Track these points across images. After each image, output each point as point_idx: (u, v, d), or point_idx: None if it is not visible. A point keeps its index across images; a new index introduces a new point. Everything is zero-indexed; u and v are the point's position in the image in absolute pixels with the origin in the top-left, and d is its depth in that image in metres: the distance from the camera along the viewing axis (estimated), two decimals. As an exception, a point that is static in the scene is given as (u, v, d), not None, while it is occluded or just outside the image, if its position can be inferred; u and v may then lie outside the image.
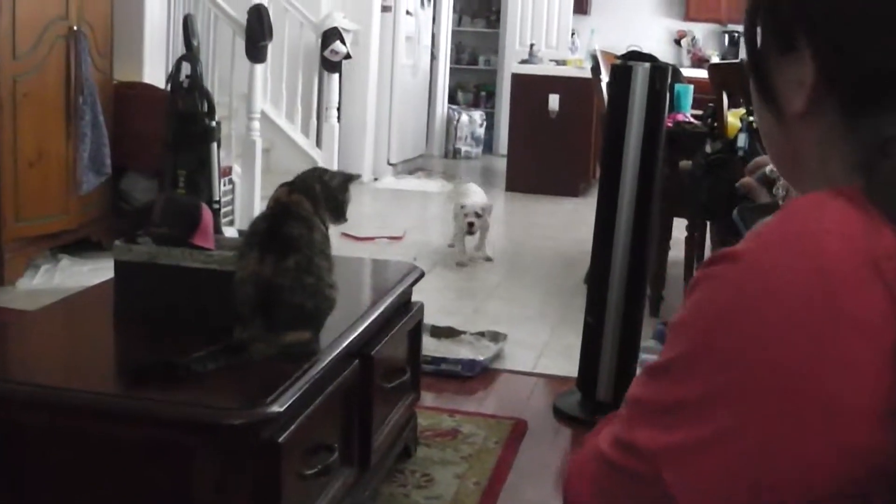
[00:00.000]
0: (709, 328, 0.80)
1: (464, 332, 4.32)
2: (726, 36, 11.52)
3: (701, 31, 11.73)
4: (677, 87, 5.37)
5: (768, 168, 1.59)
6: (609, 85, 4.10)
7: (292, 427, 2.08)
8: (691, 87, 5.53)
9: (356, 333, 2.51)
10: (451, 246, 6.14)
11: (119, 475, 2.05)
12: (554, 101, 8.80)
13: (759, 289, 0.78)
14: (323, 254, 2.34)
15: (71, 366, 2.40)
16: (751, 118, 4.77)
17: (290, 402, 2.04)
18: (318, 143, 7.96)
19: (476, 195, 6.13)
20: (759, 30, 0.91)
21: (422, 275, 3.19)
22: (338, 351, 2.37)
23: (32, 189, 5.01)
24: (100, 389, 2.19)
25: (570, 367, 3.89)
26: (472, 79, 12.51)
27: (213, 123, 4.83)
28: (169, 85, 4.84)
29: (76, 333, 2.63)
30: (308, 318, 2.29)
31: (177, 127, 4.76)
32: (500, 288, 5.56)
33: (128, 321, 2.51)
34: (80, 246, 5.45)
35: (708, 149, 4.95)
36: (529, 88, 8.93)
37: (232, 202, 5.97)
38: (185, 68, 4.68)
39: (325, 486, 2.36)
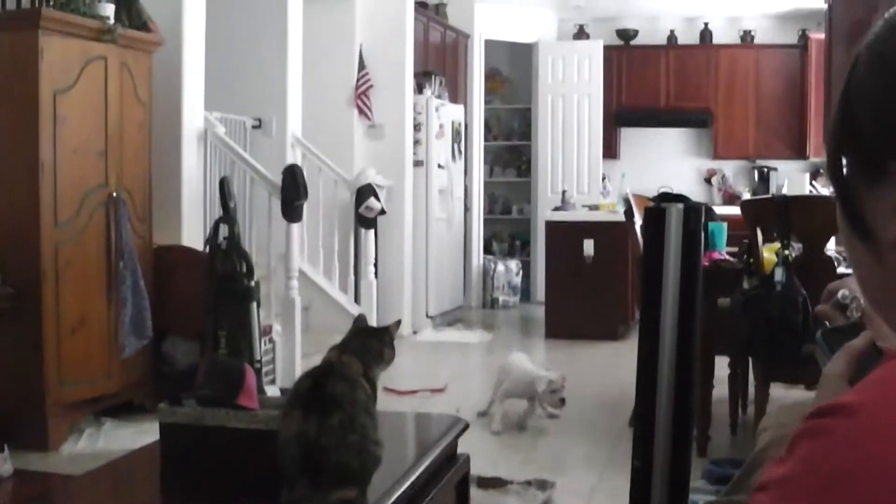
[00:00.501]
0: (823, 490, 0.74)
1: (510, 482, 4.28)
2: (755, 172, 11.56)
3: (730, 169, 11.78)
4: (711, 225, 5.39)
5: (840, 293, 1.58)
6: (643, 227, 4.11)
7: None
8: (725, 224, 5.55)
9: (403, 489, 2.49)
10: (483, 414, 5.76)
11: None
12: (589, 246, 8.84)
13: (883, 450, 0.72)
14: (367, 412, 2.33)
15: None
16: (786, 252, 4.76)
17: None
18: (357, 299, 8.00)
19: (524, 363, 5.85)
20: (844, 161, 0.89)
21: (466, 426, 3.17)
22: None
23: (75, 354, 5.05)
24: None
25: (621, 512, 3.82)
26: (506, 228, 12.58)
27: (252, 283, 4.87)
28: (207, 247, 4.90)
29: (123, 498, 2.62)
30: (354, 476, 2.27)
31: (216, 288, 4.80)
32: (546, 435, 5.51)
33: (175, 484, 2.51)
34: (123, 409, 5.47)
35: (745, 285, 4.95)
36: (564, 235, 8.99)
37: (273, 361, 5.99)
38: (223, 230, 4.74)
39: None
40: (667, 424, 3.61)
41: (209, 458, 2.45)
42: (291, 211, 6.21)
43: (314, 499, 2.22)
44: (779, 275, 4.70)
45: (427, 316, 9.54)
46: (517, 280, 11.55)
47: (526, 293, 11.63)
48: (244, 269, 4.87)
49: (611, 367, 7.49)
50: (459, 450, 3.12)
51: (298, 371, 6.35)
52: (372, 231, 7.98)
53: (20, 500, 4.25)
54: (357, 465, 2.27)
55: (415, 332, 9.17)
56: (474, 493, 3.69)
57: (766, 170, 11.40)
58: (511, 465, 4.69)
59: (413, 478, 2.58)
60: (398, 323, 2.73)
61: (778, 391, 4.93)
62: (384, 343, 2.53)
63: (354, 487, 2.28)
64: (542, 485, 4.28)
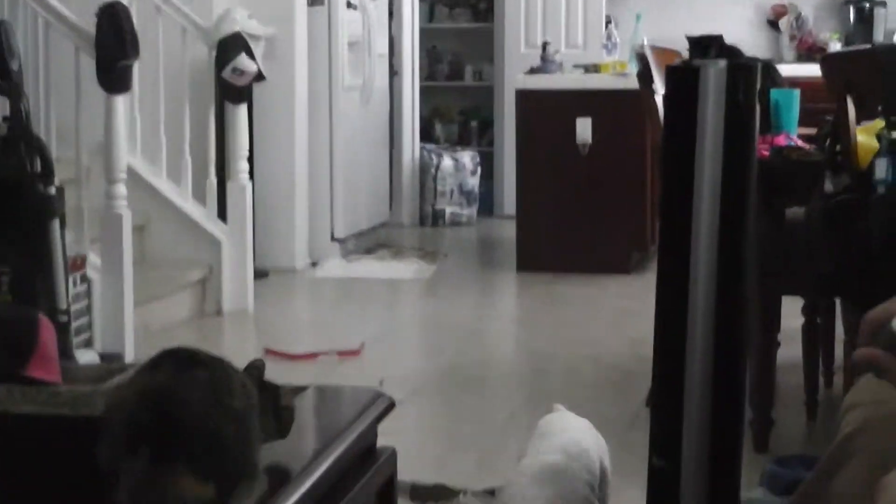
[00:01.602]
0: None
1: (461, 492, 4.32)
2: (851, 9, 11.45)
3: (811, 5, 11.70)
4: (774, 94, 5.38)
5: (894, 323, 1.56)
6: (666, 99, 4.12)
7: None
8: (797, 92, 5.54)
9: (294, 499, 2.51)
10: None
11: None
12: (584, 128, 8.79)
13: None
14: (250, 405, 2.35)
15: None
16: (893, 134, 4.70)
17: None
18: (221, 213, 7.94)
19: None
20: None
21: (391, 405, 3.19)
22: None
23: None
24: None
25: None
26: (455, 102, 12.55)
27: (52, 191, 4.85)
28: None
29: None
30: (221, 459, 2.28)
31: (-4, 198, 4.78)
32: (519, 421, 5.55)
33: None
34: None
35: (829, 187, 4.91)
36: (545, 112, 8.97)
37: (88, 311, 5.96)
38: (1, 107, 4.71)
39: None
40: (703, 404, 3.63)
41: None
42: (114, 76, 6.15)
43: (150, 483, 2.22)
44: (882, 170, 4.62)
45: (333, 239, 9.52)
46: (473, 182, 11.54)
47: (487, 203, 11.65)
48: (38, 167, 4.85)
49: (618, 316, 7.54)
50: (382, 441, 3.15)
51: (129, 327, 6.34)
52: (244, 107, 7.93)
53: None
54: (229, 439, 2.28)
55: (314, 265, 9.16)
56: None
57: (867, 6, 11.31)
58: (463, 466, 4.73)
59: (310, 482, 2.60)
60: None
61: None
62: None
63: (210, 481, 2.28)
64: (508, 496, 4.33)
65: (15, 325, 2.59)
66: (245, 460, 2.31)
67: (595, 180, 8.73)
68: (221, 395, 2.26)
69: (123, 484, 2.20)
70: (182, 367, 2.26)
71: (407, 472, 3.41)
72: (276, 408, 2.51)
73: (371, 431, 3.06)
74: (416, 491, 4.21)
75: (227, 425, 2.26)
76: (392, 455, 3.13)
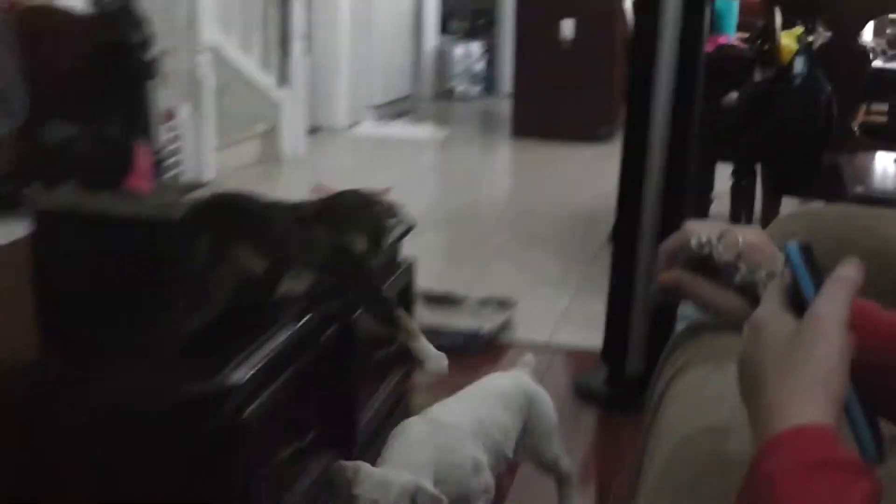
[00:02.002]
0: None
1: (463, 299, 4.33)
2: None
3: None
4: (718, 2, 5.33)
5: (694, 240, 1.45)
6: (634, 3, 4.07)
7: (258, 401, 2.07)
8: (735, 2, 5.51)
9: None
10: None
11: (54, 459, 2.06)
12: (567, 26, 8.77)
13: None
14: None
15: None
16: (809, 38, 4.72)
17: (255, 371, 2.03)
18: (283, 81, 7.90)
19: None
20: None
21: (411, 227, 3.17)
22: (312, 314, 2.36)
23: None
24: (31, 365, 2.20)
25: (593, 339, 3.88)
26: (468, 2, 12.44)
27: (149, 57, 4.81)
28: (95, 9, 4.81)
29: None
30: (274, 244, 2.27)
31: (103, 62, 4.73)
32: (508, 250, 5.56)
33: (50, 283, 2.48)
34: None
35: (757, 77, 4.93)
36: (538, 12, 8.89)
37: (178, 152, 5.95)
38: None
39: (301, 470, 2.36)
40: (652, 241, 3.64)
41: (93, 253, 2.42)
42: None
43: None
44: (799, 65, 4.66)
45: (369, 106, 9.50)
46: (479, 67, 11.49)
47: (490, 83, 11.60)
48: (139, 38, 4.80)
49: (590, 174, 7.51)
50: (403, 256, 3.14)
51: (210, 167, 6.34)
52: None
53: None
54: (287, 235, 2.28)
55: (354, 125, 9.14)
56: (420, 311, 3.73)
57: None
58: (465, 281, 4.73)
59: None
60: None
61: (790, 206, 4.92)
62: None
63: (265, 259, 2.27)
64: (503, 304, 4.33)
65: (120, 149, 2.57)
66: (296, 255, 2.29)
67: (575, 68, 8.72)
68: (278, 205, 2.26)
69: (198, 258, 2.19)
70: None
71: (423, 285, 3.39)
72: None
73: (394, 246, 3.04)
74: (429, 297, 4.21)
75: (283, 222, 2.25)
76: (411, 265, 3.12)
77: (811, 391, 0.94)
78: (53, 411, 2.04)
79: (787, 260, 1.02)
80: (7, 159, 5.37)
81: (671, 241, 1.50)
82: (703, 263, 1.43)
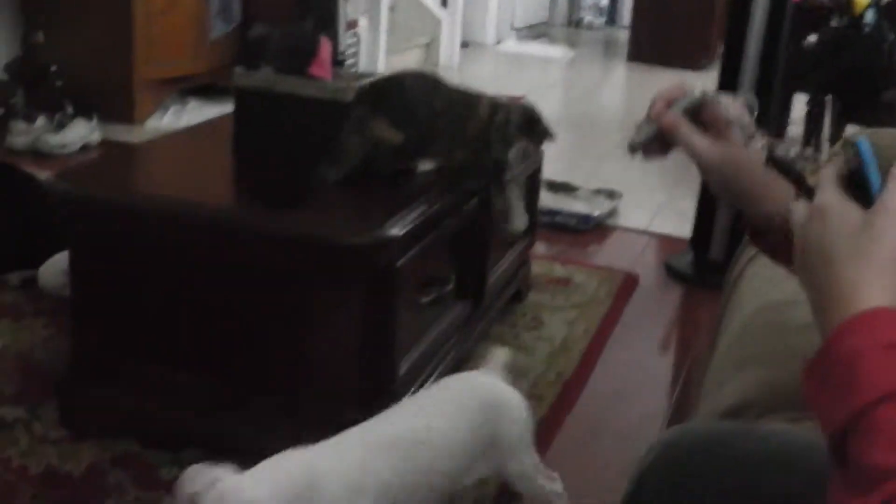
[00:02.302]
0: None
1: (579, 188, 4.31)
2: None
3: None
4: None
5: (698, 91, 1.32)
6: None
7: (409, 253, 2.10)
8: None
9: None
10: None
11: (231, 290, 2.11)
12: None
13: None
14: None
15: (190, 183, 2.43)
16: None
17: (408, 228, 2.05)
18: (444, 2, 7.87)
19: None
20: None
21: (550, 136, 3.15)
22: (457, 187, 2.37)
23: (164, 34, 5.09)
24: (219, 205, 2.24)
25: (683, 229, 3.85)
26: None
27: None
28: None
29: (197, 157, 2.66)
30: (411, 122, 2.27)
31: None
32: (618, 152, 5.51)
33: (245, 148, 2.53)
34: (208, 91, 5.52)
35: (834, 24, 4.87)
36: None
37: (356, 55, 5.98)
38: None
39: (437, 317, 2.39)
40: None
41: (280, 125, 2.45)
42: None
43: (362, 129, 2.25)
44: (869, 16, 4.70)
45: (512, 27, 9.43)
46: (604, 2, 11.33)
47: (612, 16, 11.41)
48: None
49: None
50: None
51: (382, 69, 6.36)
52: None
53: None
54: (424, 114, 2.29)
55: (498, 42, 9.08)
56: (542, 195, 3.72)
57: None
58: (581, 174, 4.71)
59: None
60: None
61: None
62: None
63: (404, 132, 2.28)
64: (611, 194, 4.31)
65: (305, 39, 2.57)
66: (433, 132, 2.29)
67: (683, 5, 8.57)
68: (430, 89, 2.25)
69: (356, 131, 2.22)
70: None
71: (546, 175, 3.37)
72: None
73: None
74: (551, 185, 4.19)
75: (425, 105, 2.25)
76: (539, 154, 3.11)
77: (884, 276, 0.87)
78: (245, 250, 2.07)
79: (855, 151, 0.97)
80: (224, 54, 5.45)
81: (671, 89, 1.34)
82: (695, 118, 1.30)
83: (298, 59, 2.51)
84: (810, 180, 1.02)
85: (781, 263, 1.28)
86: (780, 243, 1.20)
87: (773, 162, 1.09)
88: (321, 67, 2.53)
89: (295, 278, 2.03)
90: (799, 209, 0.97)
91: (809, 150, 1.21)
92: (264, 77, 2.50)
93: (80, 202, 2.20)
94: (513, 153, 2.32)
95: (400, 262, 2.05)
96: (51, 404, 2.36)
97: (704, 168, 1.29)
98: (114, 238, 2.17)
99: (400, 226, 2.03)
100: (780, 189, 1.18)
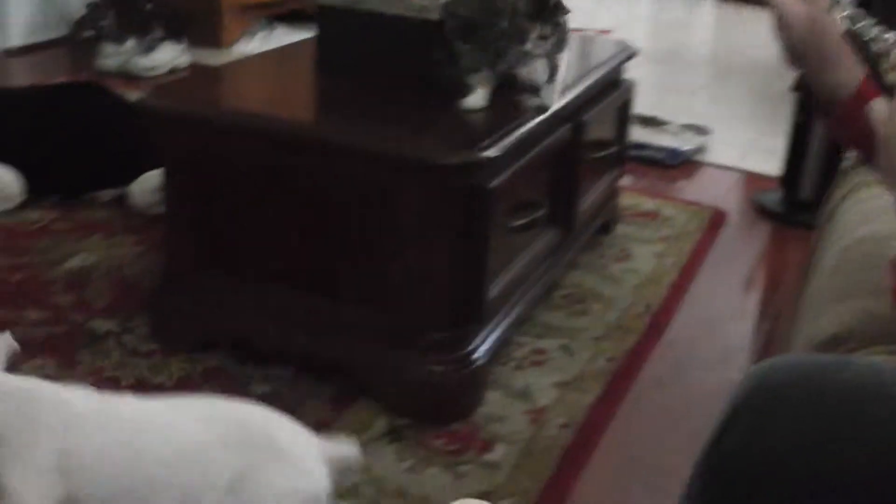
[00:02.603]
0: None
1: (669, 122, 4.26)
2: None
3: None
4: None
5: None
6: None
7: (503, 175, 2.08)
8: None
9: (569, 98, 2.48)
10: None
11: (323, 207, 2.10)
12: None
13: None
14: None
15: (280, 100, 2.43)
16: None
17: (503, 151, 2.03)
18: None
19: None
20: None
21: (633, 53, 3.11)
22: (551, 112, 2.34)
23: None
24: (310, 121, 2.23)
25: (773, 168, 3.79)
26: None
27: None
28: None
29: (285, 76, 2.66)
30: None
31: None
32: (708, 87, 5.43)
33: (328, 68, 2.52)
34: (294, 17, 5.52)
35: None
36: None
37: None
38: None
39: (529, 241, 2.38)
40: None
41: (364, 44, 2.43)
42: None
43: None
44: None
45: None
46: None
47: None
48: None
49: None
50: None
51: None
52: None
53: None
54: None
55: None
56: (633, 127, 3.68)
57: None
58: (671, 108, 4.65)
59: (579, 89, 2.56)
60: None
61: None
62: None
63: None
64: (700, 130, 4.25)
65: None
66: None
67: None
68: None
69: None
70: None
71: (636, 109, 3.32)
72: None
73: (619, 67, 3.00)
74: (641, 118, 4.14)
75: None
76: (630, 85, 3.07)
77: None
78: (339, 169, 2.06)
79: None
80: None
81: None
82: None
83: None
84: (889, 76, 1.00)
85: (852, 148, 1.28)
86: (851, 128, 1.18)
87: (851, 36, 1.07)
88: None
89: (388, 197, 2.01)
90: (880, 107, 0.95)
91: (892, 36, 1.17)
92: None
93: (173, 118, 2.21)
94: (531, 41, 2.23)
95: (493, 184, 2.04)
96: (141, 318, 2.40)
97: (785, 23, 1.28)
98: (206, 153, 2.18)
99: (495, 147, 2.01)
100: (851, 60, 1.17)
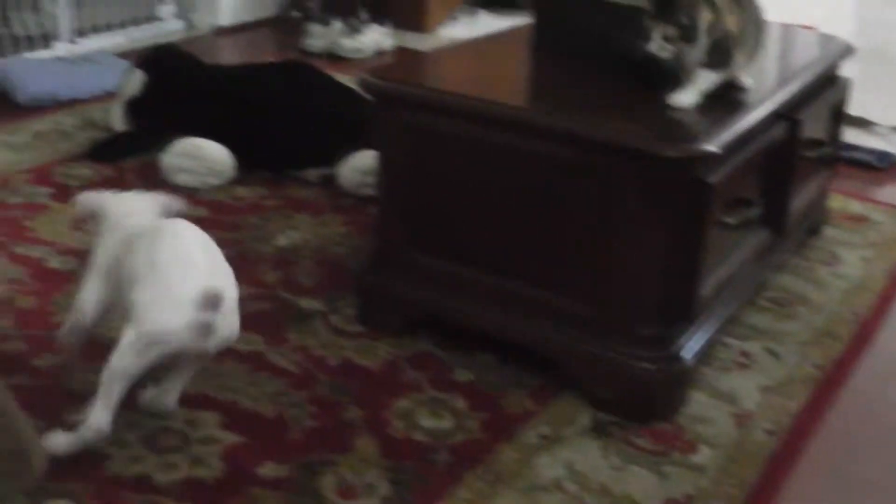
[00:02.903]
0: None
1: (877, 124, 4.12)
2: None
3: None
4: None
5: None
6: None
7: (722, 171, 2.04)
8: None
9: (786, 95, 2.41)
10: None
11: (537, 194, 2.08)
12: None
13: None
14: None
15: (496, 83, 2.41)
16: None
17: (724, 145, 1.99)
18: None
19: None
20: None
21: (850, 50, 3.01)
22: (768, 108, 2.28)
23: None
24: (529, 107, 2.22)
25: None
26: None
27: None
28: None
29: (500, 60, 2.65)
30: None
31: None
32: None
33: (548, 51, 2.50)
34: (497, 3, 5.54)
35: None
36: None
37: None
38: None
39: (741, 240, 2.33)
40: None
41: (581, 31, 2.40)
42: None
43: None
44: None
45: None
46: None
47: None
48: None
49: None
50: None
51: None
52: None
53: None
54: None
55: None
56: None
57: None
58: (881, 110, 4.48)
59: (797, 87, 2.48)
60: None
61: None
62: None
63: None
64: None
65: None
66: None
67: None
68: None
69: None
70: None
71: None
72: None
73: (835, 65, 2.90)
74: (848, 119, 3.99)
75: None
76: (846, 83, 2.97)
77: None
78: (557, 156, 2.05)
79: None
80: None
81: None
82: None
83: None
84: None
85: None
86: None
87: None
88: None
89: (606, 186, 1.99)
90: None
91: None
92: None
93: (392, 98, 2.22)
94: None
95: (714, 179, 1.99)
96: (348, 299, 2.42)
97: None
98: (422, 135, 2.18)
99: (716, 141, 1.97)
100: None
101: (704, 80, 2.12)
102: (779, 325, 2.53)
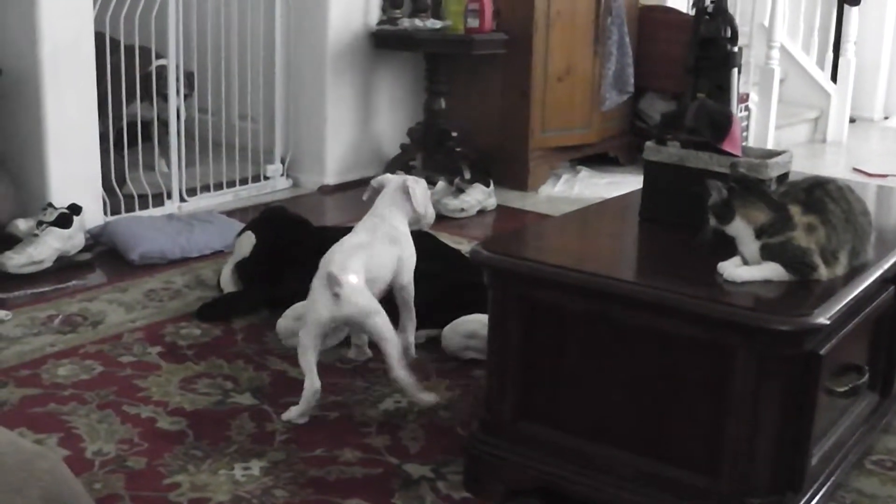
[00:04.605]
0: None
1: None
2: None
3: None
4: None
5: None
6: None
7: (832, 341, 2.02)
8: None
9: (893, 258, 2.38)
10: None
11: (648, 364, 2.08)
12: None
13: None
14: None
15: (607, 254, 2.45)
16: None
17: (834, 316, 1.97)
18: (833, 78, 7.64)
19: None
20: None
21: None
22: (876, 275, 2.25)
23: (558, 103, 5.22)
24: (640, 280, 2.22)
25: None
26: None
27: (735, 49, 4.78)
28: (693, 9, 4.83)
29: (609, 230, 2.67)
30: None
31: (698, 51, 4.74)
32: None
33: (654, 220, 2.52)
34: (597, 160, 5.60)
35: None
36: None
37: (747, 128, 5.91)
38: (710, -6, 4.67)
39: (849, 407, 2.29)
40: None
41: (688, 199, 2.41)
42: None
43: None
44: None
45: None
46: None
47: None
48: (728, 33, 4.77)
49: None
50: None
51: (771, 141, 6.24)
52: (856, 9, 7.52)
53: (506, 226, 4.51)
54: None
55: (886, 118, 8.70)
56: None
57: None
58: None
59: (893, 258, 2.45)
60: None
61: None
62: None
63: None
64: None
65: (719, 115, 2.54)
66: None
67: None
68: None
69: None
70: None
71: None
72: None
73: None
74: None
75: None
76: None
77: None
78: (667, 328, 2.04)
79: None
80: (616, 123, 5.52)
81: None
82: None
83: (714, 133, 2.48)
84: None
85: None
86: None
87: None
88: (731, 143, 2.50)
89: (718, 359, 1.97)
90: None
91: None
92: (675, 152, 2.50)
93: (505, 269, 2.24)
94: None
95: (824, 350, 1.97)
96: (455, 465, 2.41)
97: None
98: (533, 307, 2.20)
99: (827, 313, 1.95)
100: None
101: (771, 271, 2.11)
102: (887, 490, 2.45)
